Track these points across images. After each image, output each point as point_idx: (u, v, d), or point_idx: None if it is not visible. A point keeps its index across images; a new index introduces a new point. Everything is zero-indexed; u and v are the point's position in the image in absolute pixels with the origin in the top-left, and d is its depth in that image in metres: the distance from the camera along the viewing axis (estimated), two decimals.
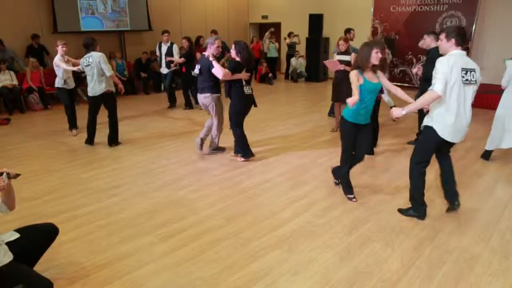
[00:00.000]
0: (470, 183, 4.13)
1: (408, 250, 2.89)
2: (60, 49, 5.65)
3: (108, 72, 5.08)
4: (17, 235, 2.28)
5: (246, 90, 4.56)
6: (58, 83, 5.85)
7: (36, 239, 2.39)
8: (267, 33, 11.81)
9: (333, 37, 11.01)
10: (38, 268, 2.46)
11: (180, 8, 11.59)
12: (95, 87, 5.14)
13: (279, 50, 12.19)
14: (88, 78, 5.17)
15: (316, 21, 11.25)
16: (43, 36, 8.76)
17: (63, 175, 4.43)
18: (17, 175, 2.26)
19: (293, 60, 11.69)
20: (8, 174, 2.20)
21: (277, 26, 12.87)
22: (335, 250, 2.89)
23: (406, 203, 3.60)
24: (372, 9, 10.53)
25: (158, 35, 10.70)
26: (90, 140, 5.52)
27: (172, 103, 8.15)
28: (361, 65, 3.35)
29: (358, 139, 3.60)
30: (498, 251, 2.88)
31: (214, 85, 4.66)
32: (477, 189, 4.01)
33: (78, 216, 3.44)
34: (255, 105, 4.76)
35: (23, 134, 6.20)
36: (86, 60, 5.13)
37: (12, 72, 7.78)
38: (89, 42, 5.13)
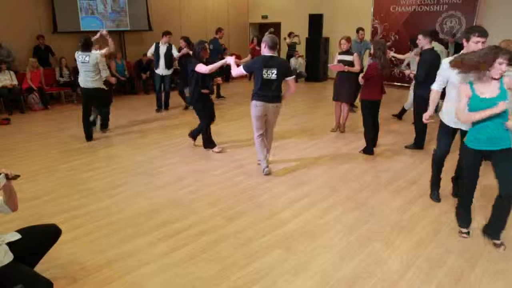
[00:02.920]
0: None
1: (408, 250, 2.89)
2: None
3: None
4: (18, 236, 2.28)
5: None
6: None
7: (37, 240, 2.38)
8: (267, 33, 11.78)
9: (333, 37, 11.02)
10: (38, 268, 2.45)
11: (180, 8, 11.58)
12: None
13: (279, 50, 12.18)
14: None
15: (316, 21, 11.24)
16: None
17: (63, 175, 4.43)
18: (16, 176, 2.23)
19: (292, 60, 11.67)
20: (6, 175, 2.17)
21: (277, 26, 12.85)
22: (335, 250, 2.89)
23: (405, 203, 3.61)
24: (372, 9, 10.52)
25: (158, 35, 10.72)
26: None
27: (167, 106, 7.97)
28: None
29: (494, 169, 2.86)
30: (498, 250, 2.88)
31: None
32: (477, 189, 3.99)
33: (78, 216, 3.44)
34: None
35: (23, 134, 6.20)
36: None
37: (12, 72, 7.76)
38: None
